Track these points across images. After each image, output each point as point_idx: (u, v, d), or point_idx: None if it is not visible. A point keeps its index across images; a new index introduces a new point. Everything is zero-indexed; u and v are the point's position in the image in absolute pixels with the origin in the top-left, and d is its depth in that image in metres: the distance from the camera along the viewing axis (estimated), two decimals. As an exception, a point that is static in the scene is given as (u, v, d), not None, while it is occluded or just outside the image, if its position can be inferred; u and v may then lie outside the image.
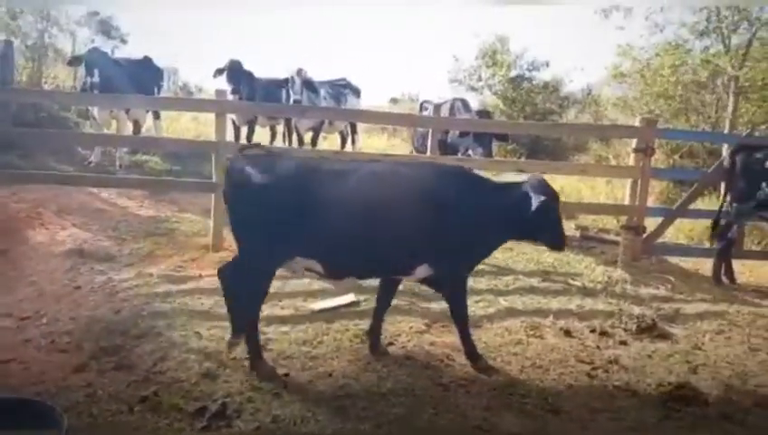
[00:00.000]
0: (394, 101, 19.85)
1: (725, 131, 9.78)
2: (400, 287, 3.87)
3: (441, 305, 4.42)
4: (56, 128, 9.20)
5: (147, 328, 3.84)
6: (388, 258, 3.37)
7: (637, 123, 6.40)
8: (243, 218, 3.30)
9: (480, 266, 4.36)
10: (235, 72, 8.66)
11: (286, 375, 3.32)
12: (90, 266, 5.08)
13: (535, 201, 3.37)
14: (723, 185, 6.42)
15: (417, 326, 4.13)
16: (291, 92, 8.47)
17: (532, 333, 4.20)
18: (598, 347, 4.05)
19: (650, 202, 7.84)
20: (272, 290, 3.56)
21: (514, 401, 3.21)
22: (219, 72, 8.72)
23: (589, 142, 13.31)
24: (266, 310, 3.87)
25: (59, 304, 4.28)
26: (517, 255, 6.04)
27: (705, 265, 6.08)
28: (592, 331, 4.28)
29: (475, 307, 4.33)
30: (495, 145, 7.60)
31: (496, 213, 3.44)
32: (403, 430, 2.90)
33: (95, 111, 8.24)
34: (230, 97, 7.78)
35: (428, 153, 6.15)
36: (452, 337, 3.89)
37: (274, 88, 8.77)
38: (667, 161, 11.22)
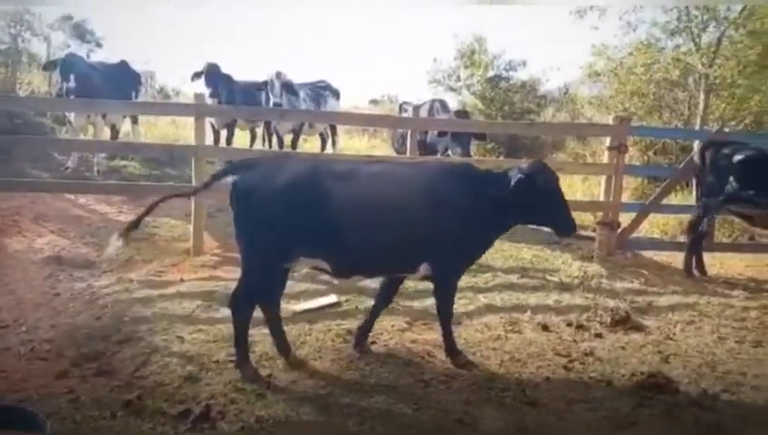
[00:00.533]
0: (374, 102, 19.93)
1: (697, 128, 10.01)
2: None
3: (423, 304, 4.52)
4: (32, 134, 9.05)
5: (128, 333, 3.85)
6: (394, 256, 3.41)
7: (610, 121, 6.56)
8: (254, 224, 3.26)
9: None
10: (213, 75, 8.66)
11: (269, 376, 3.36)
12: (69, 273, 5.06)
13: (513, 179, 3.37)
14: (694, 180, 6.59)
15: (398, 324, 4.19)
16: (270, 95, 8.47)
17: (510, 328, 4.30)
18: (574, 340, 4.16)
19: (626, 198, 8.03)
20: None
21: (494, 395, 3.29)
22: (197, 75, 8.71)
23: (566, 140, 13.50)
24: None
25: (38, 312, 4.26)
26: (496, 252, 6.12)
27: (678, 259, 6.23)
28: (569, 325, 4.39)
29: (455, 304, 4.40)
30: (474, 144, 7.72)
31: (494, 202, 3.39)
32: (386, 425, 2.96)
33: (72, 116, 8.12)
34: (209, 100, 7.76)
35: (408, 153, 6.23)
36: (433, 334, 3.97)
37: (253, 91, 8.75)
38: (642, 158, 11.42)
